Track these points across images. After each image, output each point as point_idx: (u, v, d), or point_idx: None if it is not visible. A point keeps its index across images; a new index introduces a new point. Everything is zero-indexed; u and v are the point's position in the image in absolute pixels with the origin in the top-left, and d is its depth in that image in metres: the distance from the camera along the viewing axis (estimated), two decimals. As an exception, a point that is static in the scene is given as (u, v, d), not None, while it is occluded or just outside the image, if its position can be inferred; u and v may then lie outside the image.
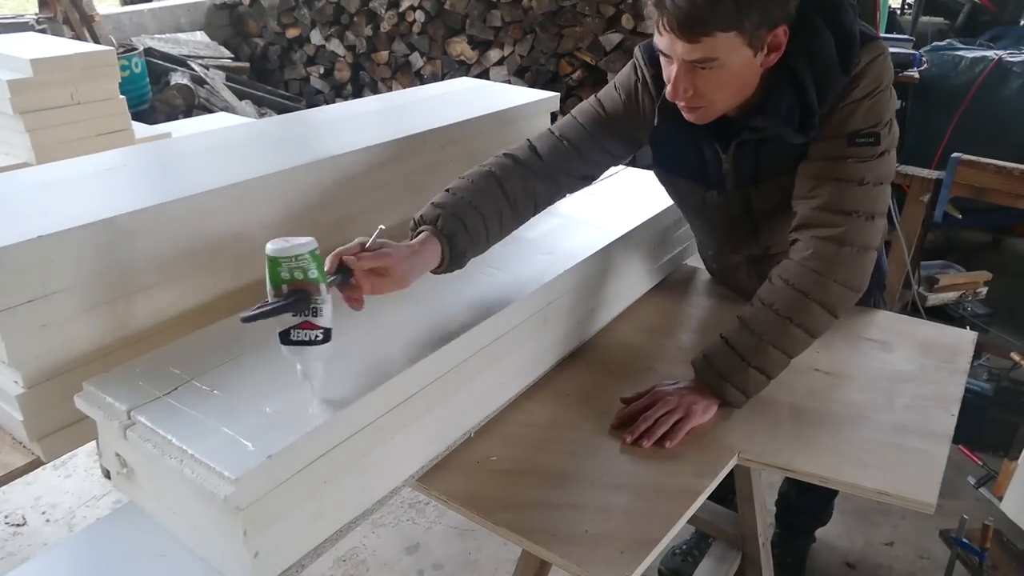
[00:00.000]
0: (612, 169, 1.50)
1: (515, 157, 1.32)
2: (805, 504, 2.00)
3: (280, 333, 0.91)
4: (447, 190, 1.24)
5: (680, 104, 1.22)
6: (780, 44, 1.17)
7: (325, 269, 0.94)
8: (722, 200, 1.40)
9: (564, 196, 1.39)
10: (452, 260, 1.17)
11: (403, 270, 1.07)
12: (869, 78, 1.21)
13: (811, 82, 1.19)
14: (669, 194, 1.53)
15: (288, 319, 0.90)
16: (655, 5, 1.13)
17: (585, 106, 1.41)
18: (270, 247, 0.89)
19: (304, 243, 0.89)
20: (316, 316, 0.91)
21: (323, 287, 0.91)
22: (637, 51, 1.37)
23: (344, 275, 0.99)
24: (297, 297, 0.89)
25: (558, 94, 1.92)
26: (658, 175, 1.49)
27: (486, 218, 1.22)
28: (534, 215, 1.35)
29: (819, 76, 1.19)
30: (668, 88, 1.21)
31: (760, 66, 1.19)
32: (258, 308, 0.88)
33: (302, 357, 0.93)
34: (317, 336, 0.91)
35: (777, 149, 1.28)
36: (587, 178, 1.41)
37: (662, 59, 1.21)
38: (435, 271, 1.17)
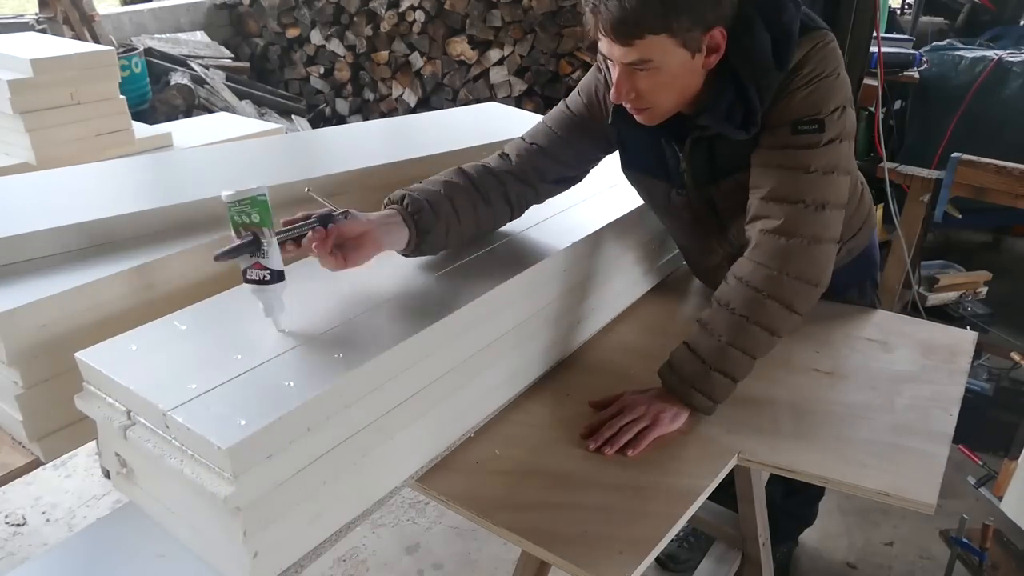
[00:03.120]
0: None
1: (486, 163, 1.36)
2: (789, 507, 1.98)
3: (241, 272, 1.03)
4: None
5: (627, 106, 1.25)
6: (719, 45, 1.18)
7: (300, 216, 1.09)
8: (685, 198, 1.40)
9: (543, 200, 1.42)
10: (419, 238, 1.20)
11: (376, 236, 1.14)
12: (809, 67, 1.21)
13: (751, 80, 1.20)
14: (640, 195, 1.53)
15: (245, 260, 1.01)
16: (591, 11, 1.15)
17: (554, 111, 1.44)
18: (224, 193, 0.99)
19: (251, 190, 0.99)
20: (264, 257, 1.01)
21: (267, 231, 1.00)
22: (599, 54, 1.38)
23: (323, 220, 1.09)
24: (250, 240, 1.00)
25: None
26: (627, 175, 1.49)
27: (455, 203, 1.25)
28: (511, 217, 1.37)
29: (757, 74, 1.20)
30: (612, 91, 1.23)
31: (702, 67, 1.20)
32: (223, 251, 1.00)
33: (261, 296, 1.03)
34: (266, 276, 1.01)
35: (731, 146, 1.28)
36: (564, 181, 1.43)
37: (608, 63, 1.23)
38: (404, 251, 1.21)
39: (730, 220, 1.40)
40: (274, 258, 1.01)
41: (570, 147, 1.39)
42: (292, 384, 0.94)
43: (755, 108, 1.21)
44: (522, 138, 1.41)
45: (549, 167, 1.38)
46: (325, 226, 1.08)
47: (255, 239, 1.00)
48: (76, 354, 1.00)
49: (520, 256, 1.30)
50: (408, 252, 1.22)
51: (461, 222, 1.26)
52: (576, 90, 1.42)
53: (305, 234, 1.08)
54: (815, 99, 1.22)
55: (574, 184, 1.45)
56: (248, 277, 1.02)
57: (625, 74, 1.19)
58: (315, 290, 1.16)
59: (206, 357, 0.99)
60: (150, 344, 1.02)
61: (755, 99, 1.20)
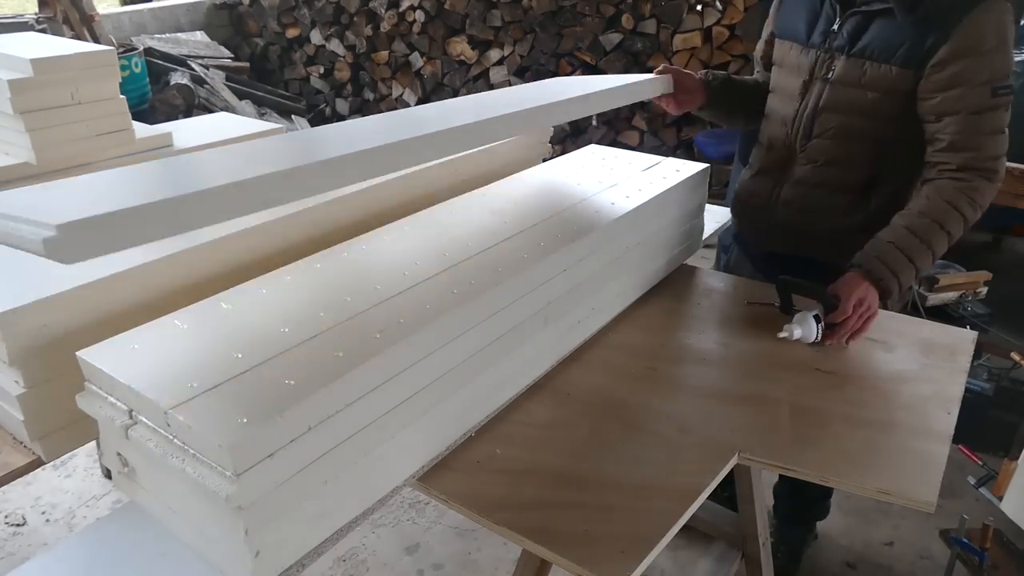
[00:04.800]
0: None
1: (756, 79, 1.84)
2: (805, 491, 2.00)
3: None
4: None
5: None
6: None
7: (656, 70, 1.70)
8: (813, 60, 1.59)
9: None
10: (711, 99, 1.74)
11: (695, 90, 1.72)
12: (1010, 30, 1.40)
13: None
14: (773, 71, 1.73)
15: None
16: None
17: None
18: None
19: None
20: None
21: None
22: None
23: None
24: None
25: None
26: (777, 45, 1.71)
27: (744, 94, 1.78)
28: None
29: None
30: None
31: None
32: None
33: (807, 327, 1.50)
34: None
35: (882, 28, 1.47)
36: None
37: None
38: (700, 108, 1.77)
39: (832, 95, 1.57)
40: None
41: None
42: (293, 383, 0.94)
43: None
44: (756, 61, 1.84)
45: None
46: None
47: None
48: (78, 353, 1.00)
49: (520, 256, 1.31)
50: (700, 111, 1.78)
51: (743, 105, 1.79)
52: None
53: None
54: (1008, 63, 1.41)
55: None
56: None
57: None
58: (315, 287, 1.16)
59: (207, 356, 0.99)
60: (151, 343, 1.02)
61: None
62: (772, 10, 1.74)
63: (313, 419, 0.94)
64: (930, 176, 1.50)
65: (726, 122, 1.89)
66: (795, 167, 1.66)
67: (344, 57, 5.31)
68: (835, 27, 1.54)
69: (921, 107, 1.48)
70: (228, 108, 4.50)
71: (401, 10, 4.91)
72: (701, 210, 1.87)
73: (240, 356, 0.99)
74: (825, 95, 1.58)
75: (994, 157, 1.45)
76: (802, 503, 2.05)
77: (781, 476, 1.83)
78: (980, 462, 2.40)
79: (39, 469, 1.20)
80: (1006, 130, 1.46)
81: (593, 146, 2.00)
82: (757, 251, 1.84)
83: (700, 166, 1.79)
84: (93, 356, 1.00)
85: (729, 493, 1.74)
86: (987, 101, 1.42)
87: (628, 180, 1.69)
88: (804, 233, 1.67)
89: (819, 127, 1.60)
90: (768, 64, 1.76)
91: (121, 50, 4.12)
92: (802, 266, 1.61)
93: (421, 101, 5.08)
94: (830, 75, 1.56)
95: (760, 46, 1.81)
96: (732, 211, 1.87)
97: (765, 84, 1.76)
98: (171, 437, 0.91)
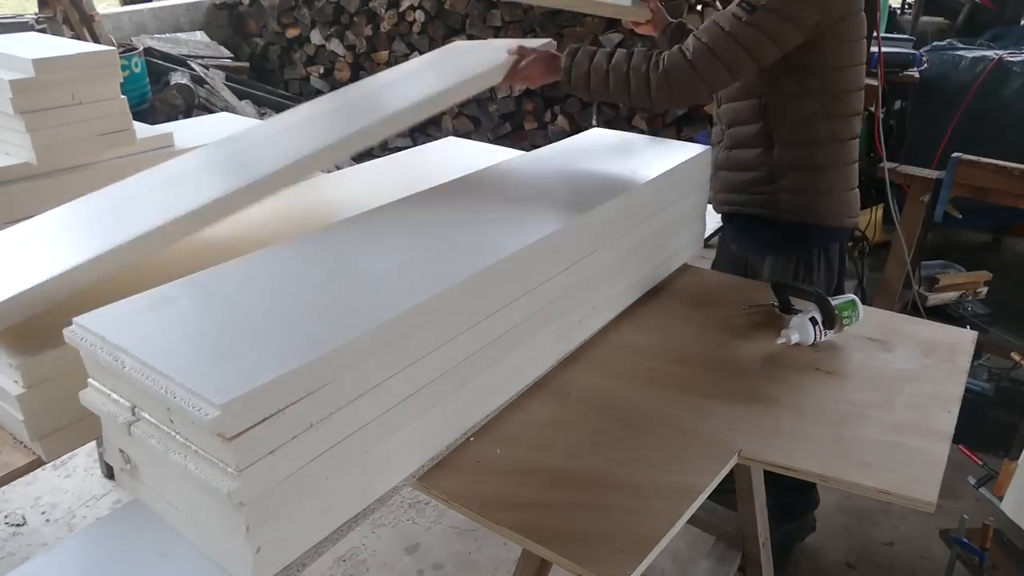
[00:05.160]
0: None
1: None
2: (780, 482, 1.99)
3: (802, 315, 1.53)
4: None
5: None
6: None
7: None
8: None
9: None
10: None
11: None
12: None
13: None
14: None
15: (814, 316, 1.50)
16: None
17: None
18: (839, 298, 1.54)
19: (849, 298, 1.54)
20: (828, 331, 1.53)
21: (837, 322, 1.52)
22: None
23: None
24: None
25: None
26: None
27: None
28: None
29: None
30: None
31: None
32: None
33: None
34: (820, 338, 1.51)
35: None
36: None
37: None
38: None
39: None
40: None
41: None
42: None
43: None
44: None
45: None
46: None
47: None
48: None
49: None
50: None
51: None
52: None
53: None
54: None
55: None
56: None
57: None
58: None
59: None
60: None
61: None
62: None
63: (315, 416, 0.94)
64: None
65: None
66: (722, 134, 1.83)
67: (344, 57, 5.30)
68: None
69: None
70: (228, 108, 4.50)
71: (401, 10, 4.91)
72: (702, 206, 1.87)
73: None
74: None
75: (697, 36, 1.53)
76: (780, 496, 2.03)
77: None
78: (980, 462, 2.40)
79: (39, 469, 1.20)
80: (724, 32, 1.50)
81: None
82: (723, 218, 1.96)
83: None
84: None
85: (731, 487, 1.73)
86: (732, 6, 1.52)
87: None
88: (734, 191, 1.82)
89: (721, 96, 1.78)
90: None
91: (121, 50, 4.12)
92: (747, 224, 1.82)
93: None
94: None
95: None
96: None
97: None
98: (173, 433, 0.91)
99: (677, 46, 1.55)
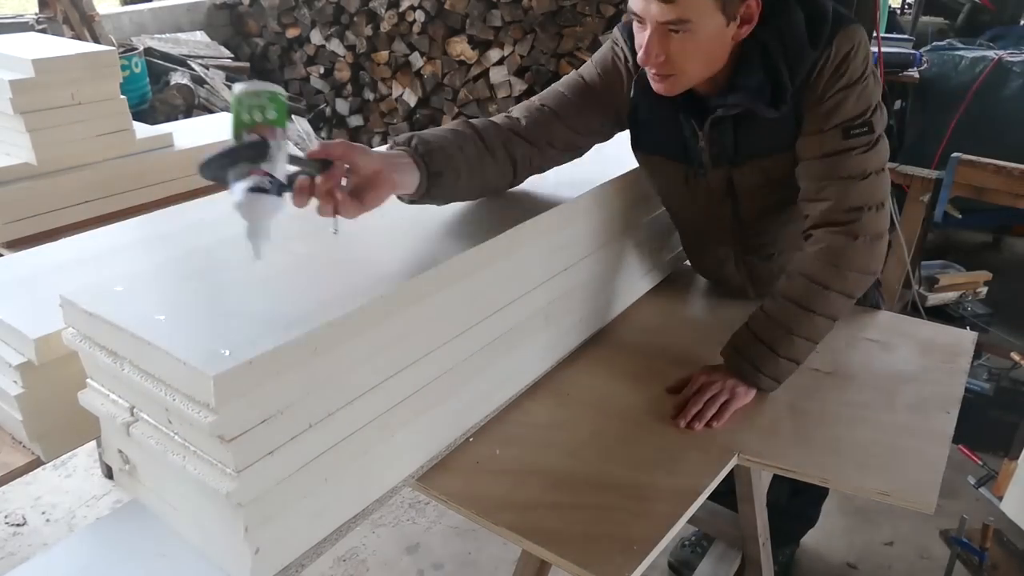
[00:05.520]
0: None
1: (492, 120, 1.29)
2: (794, 508, 1.98)
3: (233, 182, 0.86)
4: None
5: (650, 72, 1.24)
6: (752, 16, 1.19)
7: (307, 155, 0.93)
8: (704, 181, 1.40)
9: (547, 167, 1.36)
10: (429, 181, 1.09)
11: (390, 174, 1.02)
12: (854, 65, 1.23)
13: (781, 57, 1.22)
14: (652, 182, 1.52)
15: (241, 169, 0.86)
16: None
17: (565, 78, 1.40)
18: (236, 88, 0.87)
19: (268, 86, 0.88)
20: (269, 162, 0.86)
21: (280, 131, 0.88)
22: (616, 30, 1.39)
23: (324, 164, 0.94)
24: (256, 142, 0.86)
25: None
26: (639, 159, 1.47)
27: (464, 151, 1.17)
28: (513, 179, 1.30)
29: (789, 51, 1.22)
30: (640, 53, 1.21)
31: (731, 38, 1.20)
32: (209, 156, 0.84)
33: (253, 209, 0.86)
34: (266, 184, 0.86)
35: (755, 127, 1.29)
36: (571, 149, 1.37)
37: (635, 27, 1.22)
38: (411, 197, 1.11)
39: (747, 207, 1.42)
40: (281, 165, 0.88)
41: (581, 115, 1.35)
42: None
43: (785, 85, 1.23)
44: (531, 100, 1.36)
45: (558, 132, 1.33)
46: (326, 169, 0.94)
47: (263, 141, 0.86)
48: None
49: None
50: (416, 197, 1.11)
51: (471, 171, 1.18)
52: (590, 61, 1.41)
53: (310, 175, 0.93)
54: (865, 98, 1.24)
55: (577, 157, 1.40)
56: (247, 187, 0.85)
57: (658, 35, 1.17)
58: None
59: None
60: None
61: (785, 77, 1.22)
62: (596, 81, 1.38)
63: (314, 417, 0.94)
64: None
65: (455, 199, 1.24)
66: (751, 256, 1.52)
67: (344, 57, 5.30)
68: (702, 143, 1.33)
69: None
70: (228, 108, 4.50)
71: (401, 10, 4.91)
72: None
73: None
74: (741, 210, 1.43)
75: (855, 208, 1.25)
76: (797, 513, 2.03)
77: (776, 488, 1.77)
78: (980, 462, 2.40)
79: (39, 469, 1.20)
80: (875, 175, 1.26)
81: None
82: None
83: None
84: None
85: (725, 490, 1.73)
86: (838, 143, 1.24)
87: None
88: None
89: (754, 227, 1.45)
90: (566, 146, 1.36)
91: (121, 50, 4.11)
92: None
93: (421, 101, 5.07)
94: (735, 191, 1.40)
95: (557, 92, 1.37)
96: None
97: (515, 130, 1.29)
98: (172, 434, 0.91)
99: (824, 230, 1.27)
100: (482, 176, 1.22)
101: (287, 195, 0.90)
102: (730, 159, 1.35)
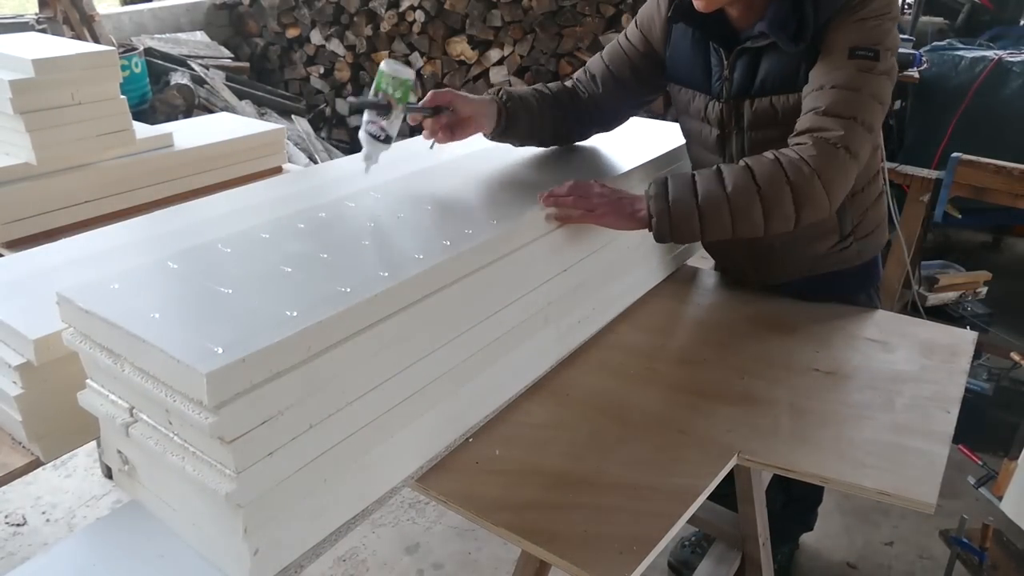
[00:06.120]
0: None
1: (565, 83, 1.62)
2: (788, 515, 1.99)
3: (364, 122, 1.31)
4: None
5: None
6: None
7: (423, 102, 1.36)
8: (719, 112, 1.47)
9: (593, 131, 1.67)
10: (508, 123, 1.47)
11: (478, 117, 1.42)
12: (874, 5, 1.29)
13: None
14: (680, 118, 1.62)
15: (371, 115, 1.30)
16: None
17: (609, 46, 1.63)
18: (384, 64, 1.29)
19: (405, 72, 1.29)
20: (387, 120, 1.30)
21: (400, 107, 1.30)
22: None
23: (436, 110, 1.38)
24: (384, 104, 1.29)
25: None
26: (672, 93, 1.59)
27: (540, 104, 1.53)
28: (576, 137, 1.67)
29: None
30: None
31: None
32: (359, 98, 1.33)
33: (371, 147, 1.31)
34: (381, 135, 1.30)
35: (774, 62, 1.37)
36: (611, 116, 1.65)
37: None
38: (490, 134, 1.48)
39: (756, 140, 1.45)
40: (394, 126, 1.31)
41: (617, 79, 1.59)
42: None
43: (808, 22, 1.30)
44: (584, 70, 1.62)
45: (612, 90, 1.59)
46: (436, 114, 1.37)
47: (388, 105, 1.28)
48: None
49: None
50: (496, 136, 1.50)
51: (542, 121, 1.54)
52: (633, 21, 1.59)
53: (427, 115, 1.36)
54: (878, 33, 1.29)
55: (619, 122, 1.68)
56: (367, 129, 1.30)
57: None
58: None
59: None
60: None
61: (810, 13, 1.30)
62: (638, 36, 1.57)
63: (314, 418, 0.94)
64: None
65: (525, 143, 1.60)
66: None
67: (344, 57, 5.30)
68: (726, 72, 1.42)
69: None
70: (228, 108, 4.50)
71: (401, 10, 4.91)
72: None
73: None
74: (746, 144, 1.46)
75: (843, 117, 1.25)
76: (793, 518, 2.04)
77: (771, 494, 1.76)
78: (980, 462, 2.40)
79: (39, 469, 1.20)
80: (869, 96, 1.27)
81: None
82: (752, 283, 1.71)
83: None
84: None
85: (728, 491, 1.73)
86: (842, 62, 1.27)
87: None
88: (793, 265, 1.61)
89: None
90: (606, 82, 1.59)
91: (121, 50, 4.12)
92: (806, 283, 1.62)
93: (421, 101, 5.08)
94: (743, 123, 1.45)
95: (601, 62, 1.60)
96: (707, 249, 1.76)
97: (576, 95, 1.60)
98: (171, 435, 0.91)
99: (808, 134, 1.27)
100: (552, 128, 1.58)
101: (392, 144, 1.33)
102: (748, 91, 1.42)
